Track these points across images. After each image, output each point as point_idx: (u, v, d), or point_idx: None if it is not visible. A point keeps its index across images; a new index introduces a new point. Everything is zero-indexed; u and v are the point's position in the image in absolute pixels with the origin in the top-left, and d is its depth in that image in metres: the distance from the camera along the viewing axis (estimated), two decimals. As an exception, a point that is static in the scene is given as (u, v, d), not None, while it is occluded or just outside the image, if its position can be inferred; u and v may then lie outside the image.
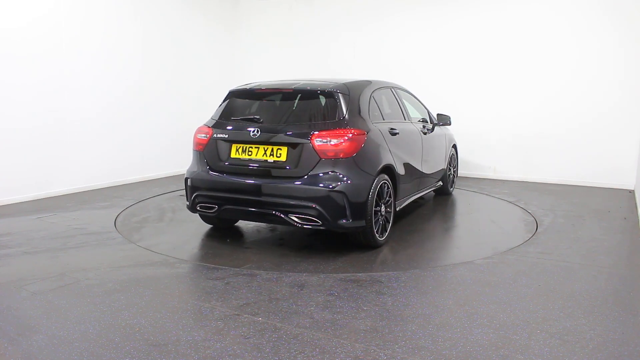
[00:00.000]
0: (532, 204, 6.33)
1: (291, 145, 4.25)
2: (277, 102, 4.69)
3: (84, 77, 7.03)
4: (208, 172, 4.59)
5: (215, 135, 4.60)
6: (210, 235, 5.07)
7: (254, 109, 4.72)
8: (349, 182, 4.14)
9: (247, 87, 4.92)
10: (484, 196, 6.87)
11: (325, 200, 4.09)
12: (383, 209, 4.53)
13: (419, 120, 5.95)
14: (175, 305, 3.34)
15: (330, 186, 4.10)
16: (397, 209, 4.92)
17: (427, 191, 5.97)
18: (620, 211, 5.93)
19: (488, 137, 8.10)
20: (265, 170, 4.34)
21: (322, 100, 4.51)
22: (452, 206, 6.34)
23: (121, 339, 2.83)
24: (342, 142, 4.16)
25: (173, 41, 8.47)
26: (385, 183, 4.52)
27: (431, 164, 5.90)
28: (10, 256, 4.29)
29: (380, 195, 4.46)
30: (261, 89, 4.76)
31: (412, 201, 5.38)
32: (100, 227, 5.21)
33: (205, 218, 5.13)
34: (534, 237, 4.92)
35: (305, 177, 4.16)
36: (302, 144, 4.20)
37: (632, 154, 7.13)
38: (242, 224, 5.39)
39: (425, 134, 5.72)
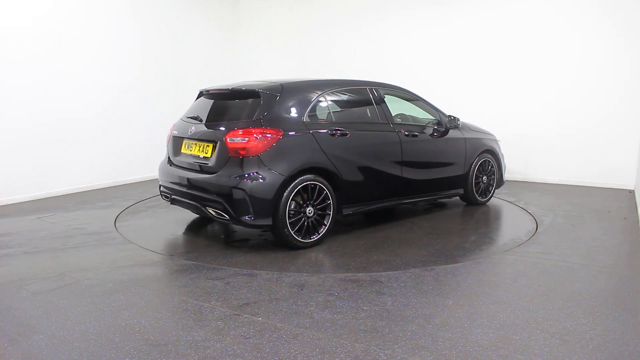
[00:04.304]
0: (532, 204, 6.33)
1: (214, 143, 4.50)
2: (220, 103, 4.98)
3: (83, 77, 7.04)
4: (166, 164, 5.11)
5: (173, 132, 5.10)
6: (210, 235, 5.07)
7: (203, 108, 5.01)
8: (252, 180, 4.24)
9: (206, 88, 5.28)
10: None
11: (229, 195, 4.28)
12: (311, 210, 4.51)
13: (428, 123, 5.73)
14: (175, 305, 3.34)
15: (233, 182, 4.26)
16: (347, 213, 4.84)
17: (425, 199, 5.67)
18: (620, 211, 5.93)
19: (488, 137, 8.10)
20: (198, 165, 4.65)
21: (250, 100, 4.68)
22: (452, 206, 6.33)
23: (121, 339, 2.83)
24: (248, 141, 4.29)
25: (173, 41, 8.47)
26: (314, 185, 4.49)
27: (429, 170, 5.61)
28: (10, 256, 4.30)
29: (305, 196, 4.46)
30: (210, 90, 5.11)
31: (420, 205, 5.20)
32: (100, 227, 5.21)
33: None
34: (534, 237, 4.92)
35: (218, 173, 4.40)
36: (220, 141, 4.43)
37: (632, 154, 7.13)
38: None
39: (415, 136, 5.39)
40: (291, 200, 4.36)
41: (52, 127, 6.67)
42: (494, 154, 6.39)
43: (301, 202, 4.46)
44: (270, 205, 4.28)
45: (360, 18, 8.89)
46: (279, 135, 4.38)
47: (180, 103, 8.54)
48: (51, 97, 6.63)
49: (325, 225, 4.65)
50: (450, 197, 6.06)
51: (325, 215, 4.64)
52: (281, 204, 4.31)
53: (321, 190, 4.56)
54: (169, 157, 5.14)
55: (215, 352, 2.69)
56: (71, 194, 6.89)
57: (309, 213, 4.51)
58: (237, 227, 5.30)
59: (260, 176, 4.26)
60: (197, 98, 5.28)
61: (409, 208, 6.13)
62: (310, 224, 4.54)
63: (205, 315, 3.15)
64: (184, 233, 5.17)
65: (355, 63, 8.95)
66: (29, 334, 2.90)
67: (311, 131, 4.58)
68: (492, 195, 6.43)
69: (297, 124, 4.55)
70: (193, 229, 5.30)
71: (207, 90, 5.15)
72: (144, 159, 7.92)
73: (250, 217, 4.27)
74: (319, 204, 4.57)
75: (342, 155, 4.73)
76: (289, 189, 4.34)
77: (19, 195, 6.35)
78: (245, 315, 3.14)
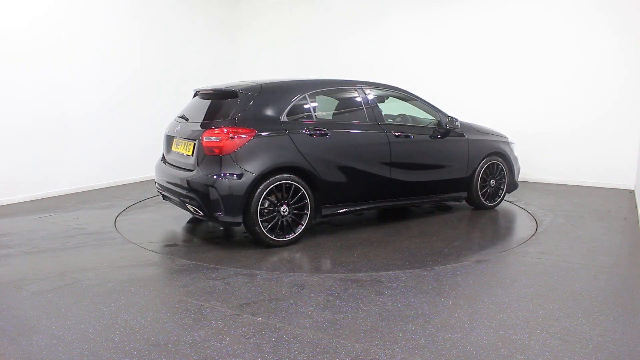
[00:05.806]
0: (532, 204, 6.33)
1: (194, 142, 4.61)
2: (206, 102, 5.06)
3: (83, 77, 7.04)
4: (160, 162, 5.28)
5: (166, 131, 5.28)
6: (210, 235, 5.07)
7: (192, 107, 5.15)
8: (223, 178, 4.33)
9: (199, 87, 5.41)
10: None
11: (201, 193, 4.42)
12: (285, 209, 4.53)
13: (428, 124, 5.64)
14: (175, 305, 3.34)
15: (206, 180, 4.38)
16: (327, 214, 4.82)
17: (420, 201, 5.56)
18: (620, 211, 5.93)
19: (488, 137, 8.09)
20: (183, 163, 4.79)
21: (229, 100, 4.77)
22: (457, 209, 6.33)
23: (121, 339, 2.83)
24: (220, 140, 4.38)
25: (172, 41, 8.47)
26: (289, 184, 4.51)
27: (424, 172, 5.44)
28: (10, 256, 4.30)
29: (280, 196, 4.49)
30: (200, 90, 5.25)
31: (424, 207, 5.11)
32: (100, 227, 5.21)
33: None
34: (534, 237, 4.92)
35: (194, 170, 4.53)
36: (198, 140, 4.53)
37: (632, 154, 7.13)
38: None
39: (407, 137, 5.27)
40: (264, 198, 4.41)
41: (52, 126, 6.67)
42: (504, 156, 6.09)
43: (275, 201, 4.49)
44: (240, 203, 4.33)
45: (361, 18, 8.89)
46: (251, 134, 4.44)
47: (180, 103, 8.54)
48: (51, 96, 6.63)
49: (302, 225, 4.65)
50: (453, 200, 5.91)
51: (303, 215, 4.65)
52: (252, 202, 4.36)
53: (297, 189, 4.57)
54: (163, 155, 5.27)
55: (215, 352, 2.69)
56: (71, 194, 6.89)
57: (284, 212, 4.53)
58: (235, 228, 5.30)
59: (231, 174, 4.34)
60: (192, 97, 5.40)
61: (410, 210, 6.13)
62: (285, 223, 4.56)
63: (205, 315, 3.15)
64: (183, 233, 5.16)
65: (356, 63, 8.95)
66: (29, 334, 2.90)
67: (287, 131, 4.59)
68: (501, 200, 6.16)
69: (273, 123, 4.59)
70: (192, 228, 5.30)
71: (198, 91, 5.27)
72: (143, 159, 7.91)
73: (221, 214, 4.35)
74: (294, 203, 4.58)
75: (321, 155, 4.71)
76: (261, 187, 4.39)
77: (19, 195, 6.35)
78: (245, 315, 3.14)
